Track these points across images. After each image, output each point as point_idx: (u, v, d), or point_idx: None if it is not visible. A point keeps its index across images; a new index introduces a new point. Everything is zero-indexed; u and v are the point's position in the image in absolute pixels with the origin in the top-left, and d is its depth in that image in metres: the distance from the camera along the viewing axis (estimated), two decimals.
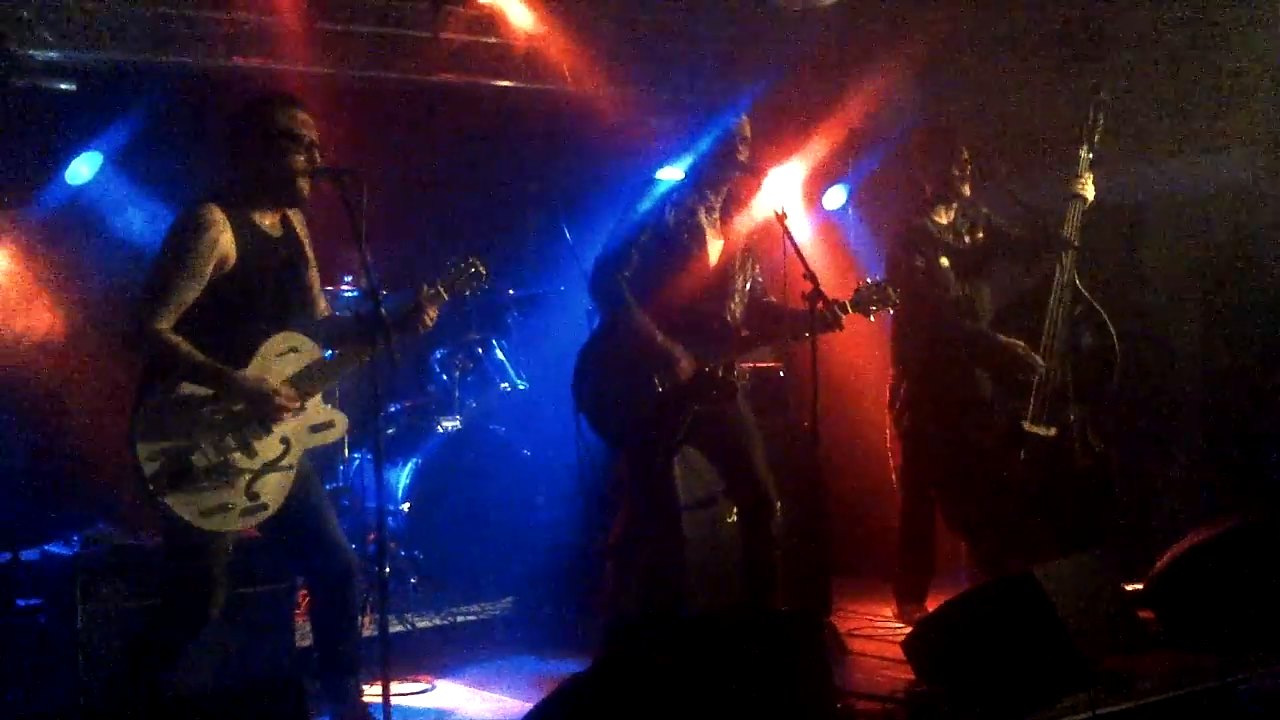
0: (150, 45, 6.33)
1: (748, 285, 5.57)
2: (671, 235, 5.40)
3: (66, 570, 5.05)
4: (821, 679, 4.41)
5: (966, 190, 6.27)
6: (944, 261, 6.19)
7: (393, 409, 6.91)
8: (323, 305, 4.89)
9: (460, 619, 6.38)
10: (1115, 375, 6.19)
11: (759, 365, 6.89)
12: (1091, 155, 6.20)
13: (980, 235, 6.34)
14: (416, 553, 6.59)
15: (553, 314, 7.29)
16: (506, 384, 7.14)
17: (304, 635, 5.29)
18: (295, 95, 4.66)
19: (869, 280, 5.56)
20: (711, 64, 7.65)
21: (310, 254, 4.73)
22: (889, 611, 6.51)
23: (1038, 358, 6.09)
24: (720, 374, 5.37)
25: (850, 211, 8.13)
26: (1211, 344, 7.38)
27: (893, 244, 6.32)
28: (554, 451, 6.75)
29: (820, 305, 5.15)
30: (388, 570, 4.51)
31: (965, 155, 6.25)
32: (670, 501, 5.64)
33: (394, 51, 6.91)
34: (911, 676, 5.11)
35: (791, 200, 7.41)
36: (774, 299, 5.58)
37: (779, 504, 5.47)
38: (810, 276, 5.22)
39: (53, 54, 6.16)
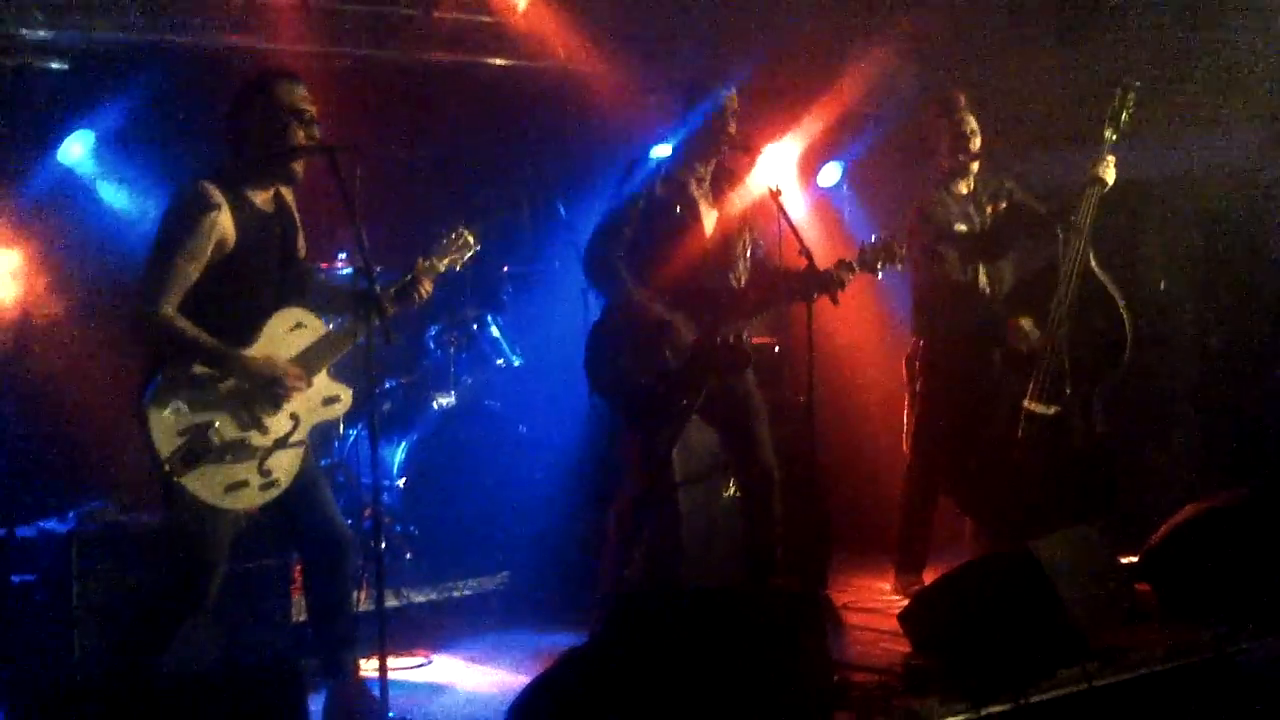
0: (143, 25, 6.30)
1: (748, 252, 5.56)
2: (664, 210, 5.40)
3: (62, 546, 5.05)
4: (818, 652, 4.42)
5: (974, 162, 6.28)
6: (960, 227, 6.21)
7: (388, 385, 6.90)
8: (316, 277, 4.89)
9: (456, 594, 6.39)
10: (1123, 359, 6.18)
11: (755, 340, 6.88)
12: (1115, 138, 6.18)
13: (1003, 207, 6.34)
14: (412, 528, 6.58)
15: (548, 290, 7.29)
16: (502, 360, 7.13)
17: (300, 611, 5.30)
18: (297, 72, 4.65)
19: (874, 238, 5.56)
20: (707, 40, 7.62)
21: (299, 228, 4.73)
22: (885, 584, 6.53)
23: (1037, 335, 6.10)
24: (733, 342, 5.38)
25: (845, 189, 8.13)
26: (1210, 323, 7.38)
27: (907, 214, 6.35)
28: (549, 427, 6.76)
29: (832, 266, 5.22)
30: (383, 545, 4.51)
31: (972, 127, 6.25)
32: (668, 480, 5.66)
33: (387, 30, 6.89)
34: (908, 649, 5.11)
35: (786, 177, 7.39)
36: (777, 263, 5.58)
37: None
38: (805, 253, 5.23)
39: (44, 33, 6.13)
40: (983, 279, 6.25)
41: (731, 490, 6.16)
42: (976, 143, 6.25)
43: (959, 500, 6.45)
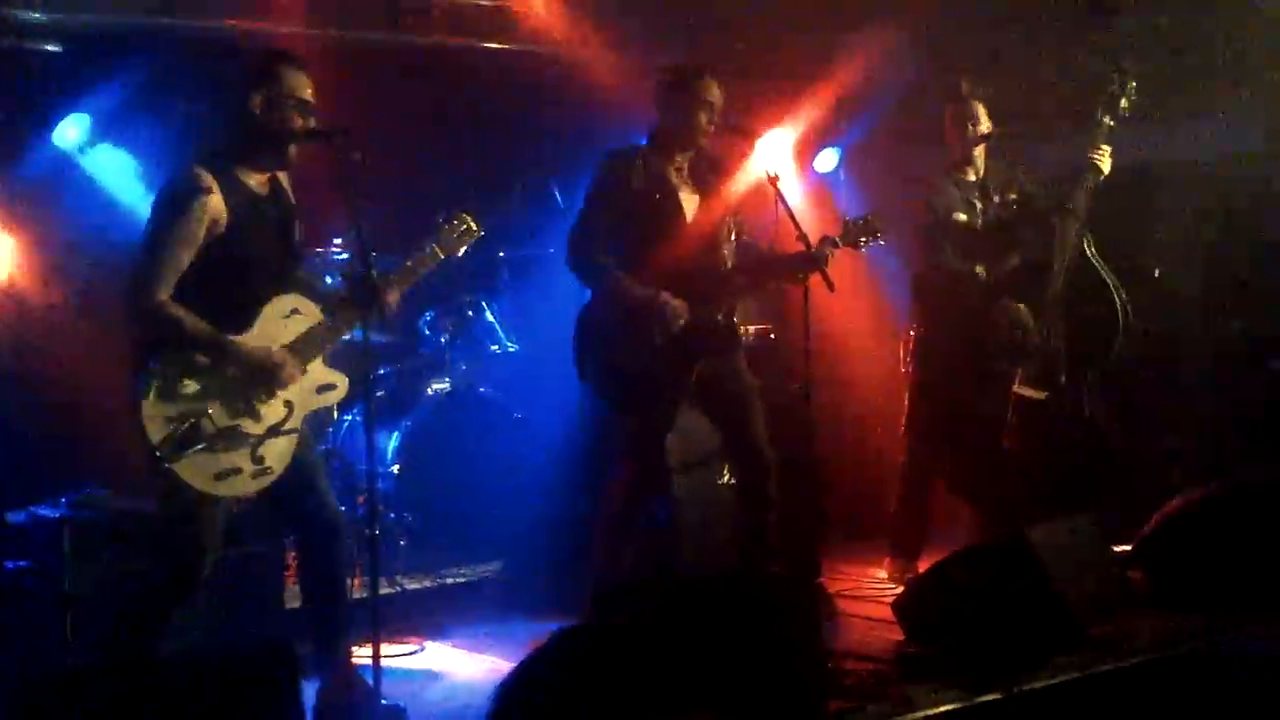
0: (139, 8, 6.27)
1: (733, 236, 5.56)
2: (643, 198, 5.41)
3: (55, 532, 5.04)
4: (812, 639, 4.43)
5: (979, 148, 6.27)
6: (960, 217, 6.20)
7: (383, 371, 6.89)
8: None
9: (450, 581, 6.39)
10: (1115, 346, 6.18)
11: (750, 327, 6.88)
12: (1113, 124, 6.17)
13: (1012, 197, 6.33)
14: (406, 515, 6.58)
15: (544, 276, 7.25)
16: (497, 346, 7.12)
17: (294, 597, 5.29)
18: (298, 56, 4.63)
19: (859, 215, 5.56)
20: (706, 25, 7.60)
21: (296, 214, 4.71)
22: (880, 572, 6.54)
23: (1030, 320, 6.10)
24: (721, 321, 5.37)
25: (842, 175, 8.11)
26: (1216, 312, 7.37)
27: (911, 200, 6.39)
28: (545, 413, 6.74)
29: (816, 243, 5.24)
30: (377, 532, 4.50)
31: (978, 114, 6.26)
32: (663, 464, 5.65)
33: (385, 13, 6.86)
34: (902, 637, 5.13)
35: (783, 163, 7.36)
36: (763, 249, 5.59)
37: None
38: (803, 239, 5.25)
39: (38, 15, 6.10)
40: (980, 267, 6.25)
41: (727, 477, 6.16)
42: (983, 129, 6.24)
43: (953, 486, 6.46)
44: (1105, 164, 6.13)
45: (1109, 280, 6.17)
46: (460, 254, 4.96)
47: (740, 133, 5.67)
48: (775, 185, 5.30)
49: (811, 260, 5.24)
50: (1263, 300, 7.13)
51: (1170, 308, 7.31)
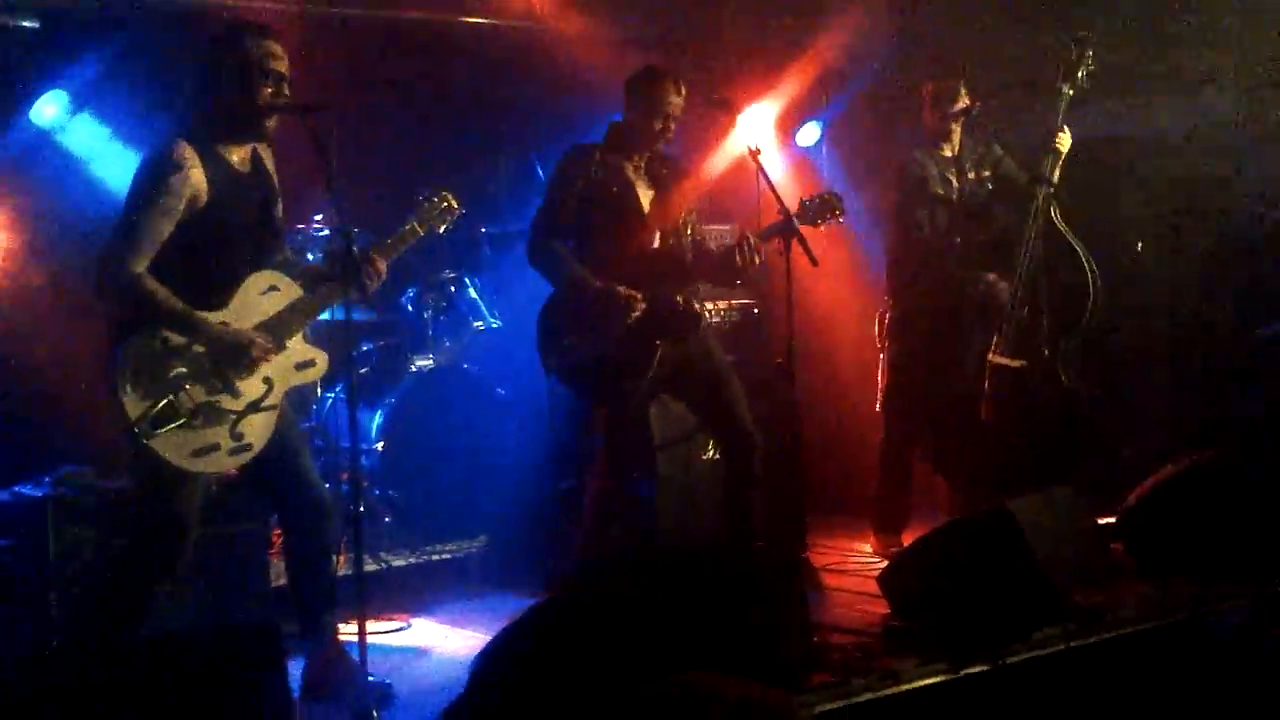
0: None
1: (689, 231, 5.62)
2: (601, 192, 5.46)
3: (38, 510, 5.02)
4: (797, 613, 4.44)
5: (956, 123, 6.27)
6: (937, 190, 6.24)
7: (366, 348, 6.88)
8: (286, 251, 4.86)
9: (435, 557, 6.39)
10: (1089, 313, 6.20)
11: (735, 303, 6.88)
12: (1072, 94, 6.19)
13: (987, 174, 6.35)
14: (391, 492, 6.57)
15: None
16: (480, 322, 7.10)
17: (279, 575, 5.28)
18: (268, 26, 4.59)
19: (815, 194, 5.58)
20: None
21: (278, 192, 4.68)
22: (865, 546, 6.56)
23: (1004, 289, 6.13)
24: (681, 304, 5.39)
25: (824, 149, 8.09)
26: (1186, 284, 7.39)
27: (886, 173, 6.44)
28: (528, 390, 6.74)
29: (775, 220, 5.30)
30: (362, 509, 4.49)
31: (956, 89, 6.27)
32: (646, 447, 5.66)
33: None
34: (887, 611, 5.14)
35: (765, 137, 7.36)
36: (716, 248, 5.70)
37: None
38: (784, 213, 5.27)
39: None
40: (956, 240, 6.27)
41: (711, 452, 6.17)
42: (960, 104, 6.25)
43: (932, 460, 6.49)
44: (1064, 144, 6.17)
45: (1078, 248, 6.20)
46: (441, 230, 4.95)
47: (721, 107, 5.66)
48: (757, 159, 5.31)
49: (775, 230, 5.30)
50: (1235, 273, 7.15)
51: (1142, 278, 7.33)
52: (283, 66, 4.46)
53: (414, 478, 6.64)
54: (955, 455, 6.34)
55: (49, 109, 6.37)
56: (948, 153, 6.35)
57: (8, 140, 6.30)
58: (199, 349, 4.35)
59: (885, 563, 5.74)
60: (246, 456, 4.45)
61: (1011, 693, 4.52)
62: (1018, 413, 6.20)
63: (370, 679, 4.50)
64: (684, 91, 5.49)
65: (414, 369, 6.89)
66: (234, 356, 4.39)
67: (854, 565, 6.30)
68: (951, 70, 6.32)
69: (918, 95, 6.43)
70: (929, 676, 4.46)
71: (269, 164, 4.63)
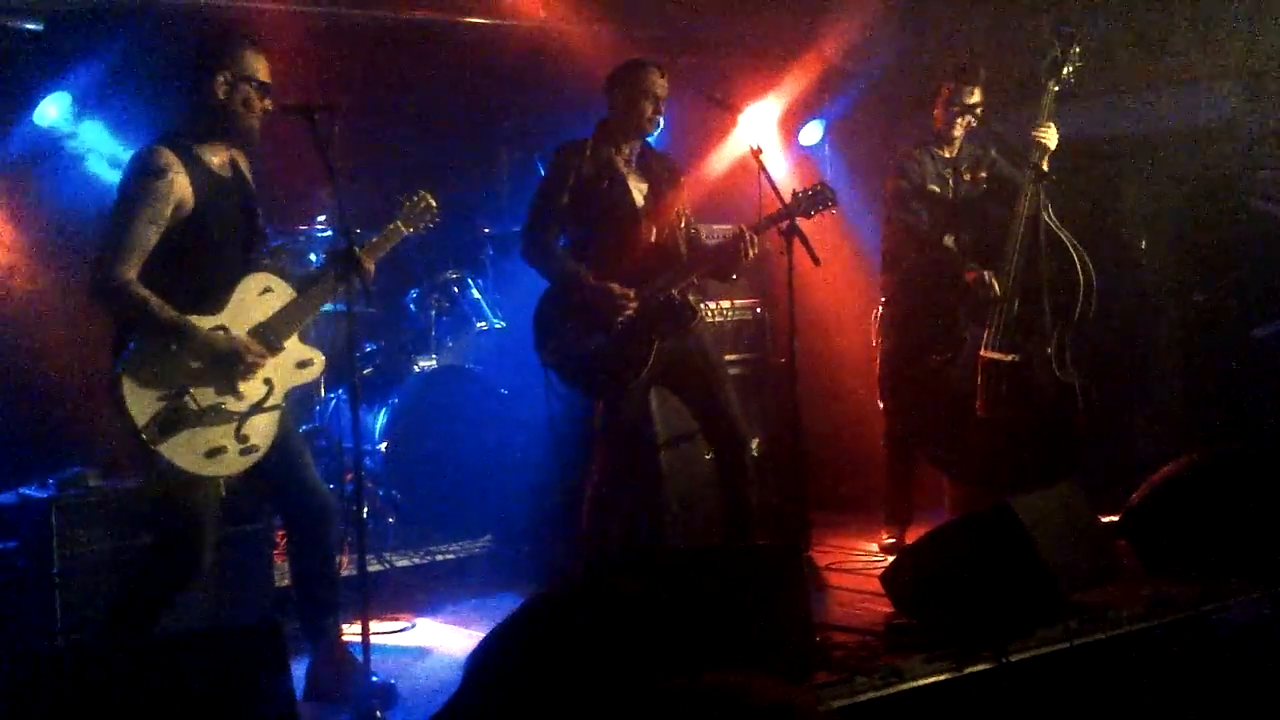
0: None
1: (682, 224, 5.62)
2: (593, 185, 5.47)
3: (43, 512, 5.02)
4: (800, 612, 4.43)
5: (958, 129, 6.31)
6: (933, 188, 6.24)
7: (369, 349, 6.88)
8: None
9: (439, 557, 6.39)
10: (1080, 304, 6.20)
11: (737, 303, 6.88)
12: (1058, 89, 6.19)
13: (982, 175, 6.37)
14: (394, 492, 6.58)
15: None
16: (483, 323, 7.10)
17: (282, 575, 5.29)
18: (251, 34, 4.61)
19: (807, 186, 5.59)
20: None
21: (257, 196, 4.69)
22: (868, 545, 6.55)
23: (996, 283, 6.13)
24: (676, 299, 5.39)
25: (826, 147, 8.10)
26: (1189, 281, 7.38)
27: (888, 170, 6.42)
28: (531, 390, 6.72)
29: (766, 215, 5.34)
30: (365, 510, 4.50)
31: (973, 97, 6.28)
32: (648, 442, 5.65)
33: None
34: (890, 609, 5.13)
35: (767, 136, 7.37)
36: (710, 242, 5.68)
37: (754, 440, 5.50)
38: (783, 205, 5.27)
39: None
40: (949, 238, 6.29)
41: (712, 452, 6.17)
42: (972, 99, 6.25)
43: (931, 456, 6.49)
44: (1050, 140, 6.15)
45: (1068, 241, 6.21)
46: (423, 229, 4.99)
47: (723, 106, 5.67)
48: (759, 158, 5.32)
49: (769, 222, 5.34)
50: (1237, 268, 7.14)
51: (1145, 276, 7.33)
52: (267, 78, 4.49)
53: (417, 478, 6.65)
54: (954, 450, 6.34)
55: (52, 110, 6.37)
56: (946, 154, 6.38)
57: (10, 142, 6.31)
58: (192, 355, 4.35)
59: (888, 561, 5.74)
60: (255, 457, 4.46)
61: (1015, 691, 4.51)
62: (1014, 407, 6.20)
63: (374, 679, 4.51)
64: (666, 76, 5.50)
65: (417, 369, 6.90)
66: (228, 362, 4.40)
67: (857, 563, 6.29)
68: (970, 72, 6.30)
69: (930, 94, 6.43)
70: (932, 675, 4.45)
71: (245, 168, 4.65)
